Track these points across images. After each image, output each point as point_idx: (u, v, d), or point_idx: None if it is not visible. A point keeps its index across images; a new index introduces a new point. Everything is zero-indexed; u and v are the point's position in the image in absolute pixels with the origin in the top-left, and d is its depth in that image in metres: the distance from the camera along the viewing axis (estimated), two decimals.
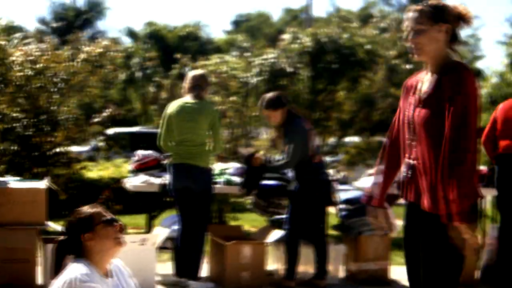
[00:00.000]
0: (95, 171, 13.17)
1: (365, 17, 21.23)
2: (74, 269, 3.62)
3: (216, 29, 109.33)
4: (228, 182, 8.05)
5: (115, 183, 12.30)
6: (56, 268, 3.77)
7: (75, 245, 3.74)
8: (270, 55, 13.50)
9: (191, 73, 7.74)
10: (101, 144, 13.48)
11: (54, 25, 38.97)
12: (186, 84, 7.51)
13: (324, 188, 7.57)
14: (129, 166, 8.93)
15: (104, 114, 11.78)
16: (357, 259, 7.80)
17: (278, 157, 7.65)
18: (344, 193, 8.14)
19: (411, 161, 4.21)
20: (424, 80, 4.20)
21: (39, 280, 7.14)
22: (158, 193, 8.11)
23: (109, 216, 3.79)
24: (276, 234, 7.73)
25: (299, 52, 13.46)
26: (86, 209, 3.80)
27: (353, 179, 9.58)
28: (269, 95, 7.71)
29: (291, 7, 45.72)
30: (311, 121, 7.70)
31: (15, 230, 6.98)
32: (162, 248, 7.76)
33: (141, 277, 6.58)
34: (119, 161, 14.83)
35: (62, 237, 3.84)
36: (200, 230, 7.37)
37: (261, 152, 7.78)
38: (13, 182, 7.48)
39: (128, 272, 3.94)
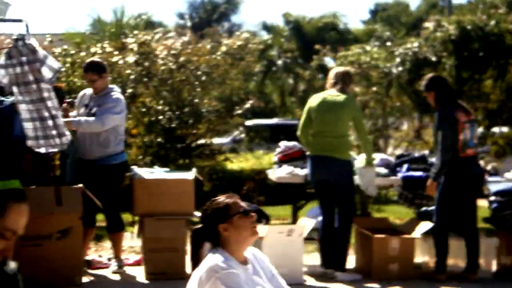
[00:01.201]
0: (236, 163, 13.28)
1: None
2: (213, 259, 3.65)
3: (353, 19, 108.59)
4: None
5: (256, 175, 12.37)
6: (193, 256, 3.82)
7: (212, 234, 3.76)
8: (413, 44, 13.19)
9: (335, 69, 7.78)
10: (242, 135, 13.58)
11: (192, 19, 39.76)
12: (330, 79, 7.51)
13: (470, 183, 7.26)
14: (272, 158, 8.93)
15: (245, 106, 11.85)
16: (510, 253, 7.48)
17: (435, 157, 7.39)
18: (495, 185, 7.82)
19: None
20: None
21: (189, 269, 7.21)
22: (302, 184, 8.07)
23: (245, 206, 3.78)
24: (425, 226, 7.52)
25: (443, 41, 13.07)
26: (223, 199, 3.80)
27: (504, 170, 9.19)
28: (429, 75, 7.62)
29: None
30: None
31: (164, 220, 7.08)
32: (308, 239, 7.71)
33: (289, 268, 6.55)
34: (260, 153, 14.92)
35: (197, 226, 3.86)
36: (345, 221, 7.30)
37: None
38: (162, 173, 7.58)
39: (266, 258, 3.92)
